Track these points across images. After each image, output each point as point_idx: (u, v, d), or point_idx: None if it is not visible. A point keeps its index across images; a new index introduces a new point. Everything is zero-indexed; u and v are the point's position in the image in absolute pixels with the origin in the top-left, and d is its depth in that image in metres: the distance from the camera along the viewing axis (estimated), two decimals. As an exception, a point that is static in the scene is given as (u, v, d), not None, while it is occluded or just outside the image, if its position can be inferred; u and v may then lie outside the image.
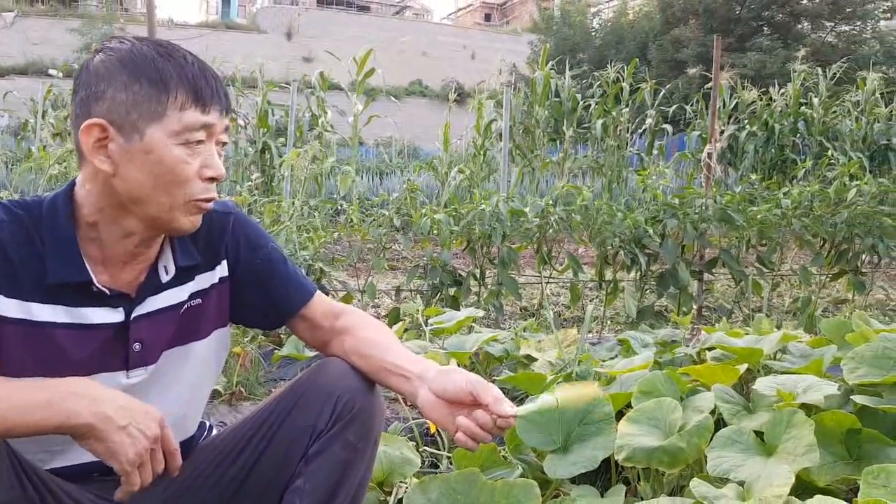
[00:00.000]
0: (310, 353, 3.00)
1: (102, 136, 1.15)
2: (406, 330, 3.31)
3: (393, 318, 4.02)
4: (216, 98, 1.20)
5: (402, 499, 1.72)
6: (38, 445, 1.18)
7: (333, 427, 1.30)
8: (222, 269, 1.38)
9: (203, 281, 1.35)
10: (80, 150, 1.18)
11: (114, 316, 1.23)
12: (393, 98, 15.44)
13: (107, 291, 1.21)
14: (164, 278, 1.28)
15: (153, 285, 1.27)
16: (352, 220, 4.82)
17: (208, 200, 1.22)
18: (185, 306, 1.32)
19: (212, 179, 1.21)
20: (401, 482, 1.85)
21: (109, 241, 1.22)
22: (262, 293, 1.42)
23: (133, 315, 1.25)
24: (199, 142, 1.18)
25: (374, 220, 4.82)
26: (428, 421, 2.20)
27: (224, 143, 1.25)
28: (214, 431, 1.50)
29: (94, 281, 1.20)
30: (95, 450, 1.10)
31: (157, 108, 1.15)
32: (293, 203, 3.95)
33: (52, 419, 1.07)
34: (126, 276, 1.25)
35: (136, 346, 1.25)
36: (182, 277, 1.31)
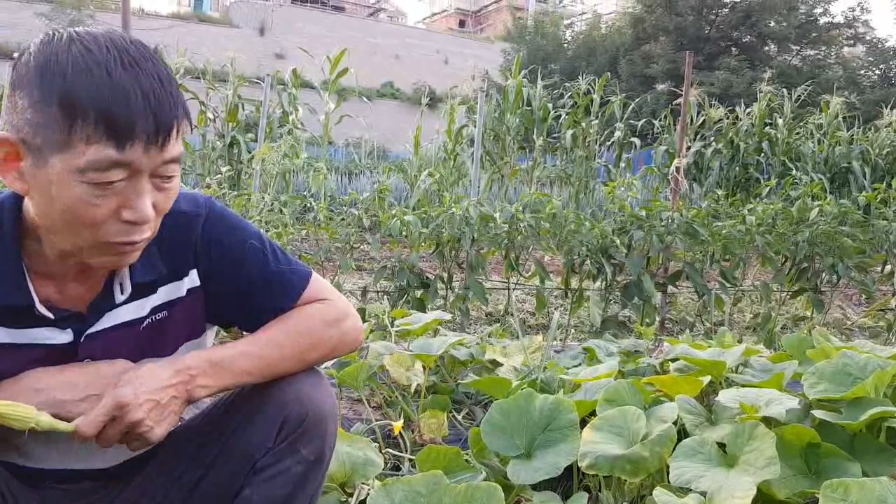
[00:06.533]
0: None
1: (12, 151, 0.98)
2: (372, 331, 3.30)
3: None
4: (145, 127, 0.96)
5: (363, 500, 1.70)
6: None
7: (284, 441, 1.22)
8: (192, 280, 1.23)
9: (168, 292, 1.21)
10: None
11: (61, 336, 1.13)
12: (365, 99, 15.38)
13: (51, 316, 1.10)
14: (119, 298, 1.15)
15: (107, 304, 1.15)
16: (320, 219, 4.78)
17: (132, 244, 1.04)
18: (147, 321, 1.19)
19: (132, 223, 1.02)
20: (363, 483, 1.83)
21: (51, 258, 1.10)
22: (242, 299, 1.27)
23: (84, 335, 1.14)
24: (113, 182, 0.97)
25: (343, 219, 4.79)
26: (391, 423, 2.19)
27: (170, 177, 1.04)
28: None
29: (37, 304, 1.09)
30: None
31: (61, 136, 0.94)
32: (263, 197, 3.91)
33: None
34: (75, 291, 1.14)
35: (87, 362, 1.15)
36: (142, 292, 1.18)
